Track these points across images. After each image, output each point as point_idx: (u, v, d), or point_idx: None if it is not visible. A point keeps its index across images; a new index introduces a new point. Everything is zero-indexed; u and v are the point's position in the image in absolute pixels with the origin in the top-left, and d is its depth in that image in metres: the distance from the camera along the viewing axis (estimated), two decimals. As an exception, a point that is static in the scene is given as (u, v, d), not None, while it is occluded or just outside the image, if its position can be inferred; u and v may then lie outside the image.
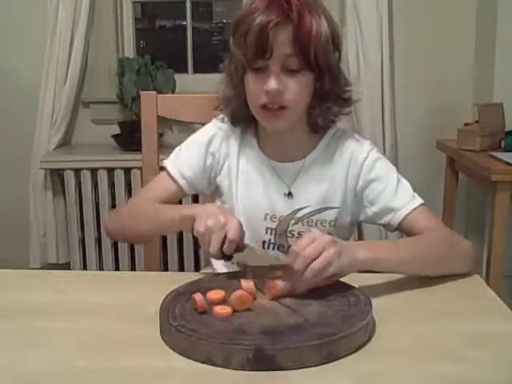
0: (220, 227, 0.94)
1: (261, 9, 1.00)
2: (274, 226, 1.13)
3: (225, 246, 0.94)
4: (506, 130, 2.27)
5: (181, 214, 1.04)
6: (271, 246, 1.13)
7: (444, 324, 0.85)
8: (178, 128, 2.53)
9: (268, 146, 1.15)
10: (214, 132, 1.18)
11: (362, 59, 2.55)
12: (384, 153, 2.58)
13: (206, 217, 0.96)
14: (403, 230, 1.11)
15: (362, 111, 2.59)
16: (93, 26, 2.61)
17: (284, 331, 0.76)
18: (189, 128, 2.39)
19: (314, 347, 0.73)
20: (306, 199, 1.13)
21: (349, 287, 0.91)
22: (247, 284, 0.86)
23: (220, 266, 1.14)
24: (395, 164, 2.59)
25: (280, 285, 0.87)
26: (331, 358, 0.74)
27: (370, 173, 1.13)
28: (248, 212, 1.13)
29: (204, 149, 1.17)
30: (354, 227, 1.22)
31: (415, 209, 1.10)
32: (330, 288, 0.89)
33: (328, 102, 1.09)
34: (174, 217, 1.06)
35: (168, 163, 1.18)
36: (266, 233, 1.13)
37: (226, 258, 0.96)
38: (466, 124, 2.36)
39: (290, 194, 1.13)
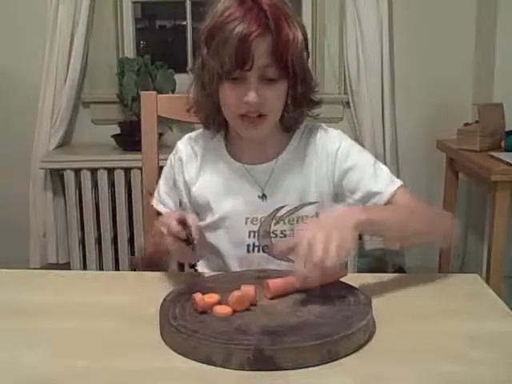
0: (165, 223, 0.95)
1: (238, 18, 0.99)
2: (255, 229, 1.12)
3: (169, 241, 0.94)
4: (506, 130, 2.27)
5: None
6: (255, 248, 1.12)
7: (444, 324, 0.86)
8: (178, 128, 2.53)
9: (239, 151, 1.14)
10: (181, 155, 1.17)
11: (361, 59, 2.55)
12: (384, 153, 2.58)
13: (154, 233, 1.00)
14: None
15: (362, 111, 2.59)
16: (93, 26, 2.61)
17: (284, 331, 0.76)
18: (189, 128, 2.39)
19: (313, 347, 0.73)
20: (281, 199, 1.12)
21: (349, 287, 0.91)
22: (247, 288, 0.86)
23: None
24: (395, 164, 2.59)
25: (279, 282, 0.87)
26: (331, 357, 0.74)
27: (346, 162, 1.12)
28: (228, 219, 1.13)
29: (177, 175, 1.17)
30: None
31: (396, 190, 1.10)
32: (330, 288, 0.89)
33: (302, 105, 1.09)
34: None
35: (154, 202, 1.20)
36: (249, 236, 1.12)
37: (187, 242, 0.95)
38: (465, 124, 2.36)
39: (264, 196, 1.13)
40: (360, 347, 0.77)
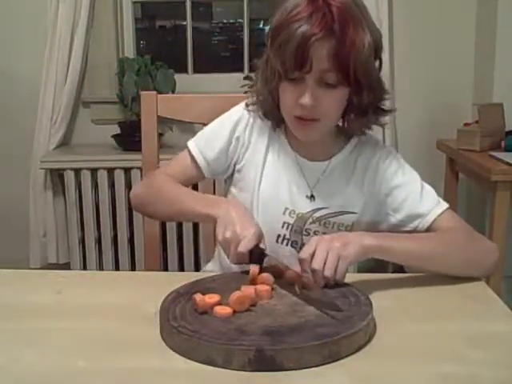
0: (237, 239, 0.95)
1: (304, 18, 0.97)
2: (291, 222, 1.12)
3: (233, 257, 0.96)
4: (506, 130, 2.27)
5: (203, 212, 1.04)
6: (285, 241, 1.13)
7: (444, 324, 0.85)
8: (178, 128, 2.53)
9: (296, 143, 1.14)
10: (241, 115, 1.16)
11: (362, 59, 2.54)
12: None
13: (224, 225, 0.97)
14: None
15: (362, 111, 2.59)
16: (93, 26, 2.61)
17: (284, 332, 0.76)
18: (189, 128, 2.39)
19: (314, 348, 0.73)
20: (327, 201, 1.12)
21: (349, 287, 0.91)
22: (247, 289, 0.86)
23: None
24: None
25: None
26: (332, 358, 0.74)
27: (394, 180, 1.12)
28: (269, 204, 1.13)
29: (229, 133, 1.15)
30: None
31: (442, 213, 1.09)
32: (331, 288, 0.90)
33: (367, 114, 1.07)
34: (196, 210, 1.06)
35: (191, 144, 1.17)
36: (283, 227, 1.12)
37: (252, 262, 0.96)
38: (465, 124, 2.36)
39: (312, 197, 1.13)
40: (360, 347, 0.77)
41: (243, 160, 1.16)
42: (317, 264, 0.89)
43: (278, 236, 1.13)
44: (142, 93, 1.36)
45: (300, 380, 0.71)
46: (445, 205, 1.11)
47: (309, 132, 1.07)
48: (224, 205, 1.03)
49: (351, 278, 0.94)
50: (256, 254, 0.95)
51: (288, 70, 1.01)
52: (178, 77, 2.58)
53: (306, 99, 1.00)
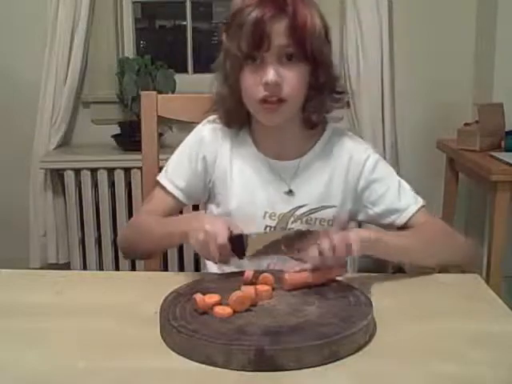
0: (211, 236, 0.94)
1: (255, 3, 1.01)
2: (273, 224, 1.12)
3: (215, 255, 0.95)
4: (506, 130, 2.27)
5: (176, 232, 1.05)
6: None
7: (444, 324, 0.85)
8: (178, 128, 2.53)
9: (264, 144, 1.14)
10: (203, 135, 1.16)
11: (361, 59, 2.55)
12: (384, 153, 2.58)
13: (195, 233, 0.96)
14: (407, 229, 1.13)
15: (361, 111, 2.59)
16: (93, 26, 2.61)
17: (285, 332, 0.76)
18: (189, 128, 2.39)
19: (314, 347, 0.73)
20: (306, 197, 1.12)
21: (349, 287, 0.91)
22: (247, 289, 0.86)
23: (214, 269, 1.13)
24: (395, 164, 2.59)
25: (296, 276, 0.91)
26: (332, 358, 0.74)
27: (373, 174, 1.13)
28: (247, 211, 1.13)
29: (194, 155, 1.15)
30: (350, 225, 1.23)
31: (419, 209, 1.12)
32: (331, 288, 0.90)
33: (323, 94, 1.09)
34: (171, 233, 1.07)
35: (160, 177, 1.18)
36: (266, 231, 1.13)
37: (239, 256, 0.96)
38: (465, 124, 2.36)
39: (290, 192, 1.13)
40: (360, 347, 0.77)
41: (214, 176, 1.16)
42: (325, 244, 0.91)
43: None
44: (142, 93, 1.36)
45: (300, 380, 0.71)
46: (421, 201, 1.13)
47: (275, 115, 1.06)
48: (190, 218, 1.08)
49: (351, 278, 0.94)
50: (236, 240, 0.95)
51: (247, 52, 1.02)
52: (178, 77, 2.58)
53: (270, 76, 1.01)
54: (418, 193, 1.15)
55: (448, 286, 1.00)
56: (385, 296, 0.94)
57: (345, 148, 1.15)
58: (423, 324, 0.85)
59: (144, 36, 2.98)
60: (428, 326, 0.85)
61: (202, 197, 1.19)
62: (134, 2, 2.78)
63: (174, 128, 2.53)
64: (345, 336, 0.75)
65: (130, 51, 2.77)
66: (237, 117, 1.13)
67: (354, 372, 0.73)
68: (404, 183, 1.15)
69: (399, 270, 1.14)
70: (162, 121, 1.37)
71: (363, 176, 1.13)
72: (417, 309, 0.91)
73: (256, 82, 1.03)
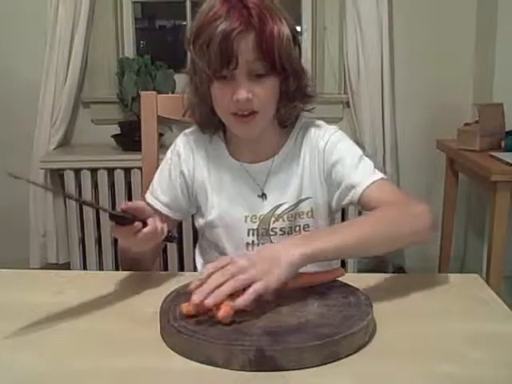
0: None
1: (221, 17, 0.99)
2: (255, 227, 1.12)
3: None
4: (506, 130, 2.27)
5: None
6: (255, 246, 1.13)
7: (444, 324, 0.85)
8: (178, 128, 2.53)
9: (238, 149, 1.14)
10: (178, 150, 1.17)
11: (361, 59, 2.55)
12: (384, 152, 2.58)
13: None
14: (362, 206, 1.08)
15: (362, 111, 2.59)
16: (93, 26, 2.61)
17: (285, 332, 0.76)
18: (189, 128, 2.39)
19: (314, 348, 0.73)
20: (280, 197, 1.12)
21: (349, 287, 0.91)
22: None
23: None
24: (395, 164, 2.59)
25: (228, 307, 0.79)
26: (332, 358, 0.74)
27: (332, 156, 1.11)
28: (227, 217, 1.13)
29: (173, 171, 1.16)
30: (332, 215, 1.19)
31: (373, 183, 1.06)
32: (331, 288, 0.90)
33: (294, 101, 1.09)
34: None
35: (147, 196, 1.18)
36: (248, 234, 1.13)
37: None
38: (465, 124, 2.36)
39: (263, 196, 1.13)
40: (360, 347, 0.77)
41: (194, 188, 1.16)
42: (208, 284, 0.80)
43: (247, 244, 1.13)
44: (142, 93, 1.36)
45: (300, 380, 0.71)
46: (378, 175, 1.08)
47: (248, 128, 1.06)
48: None
49: (351, 278, 0.94)
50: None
51: (216, 70, 1.01)
52: (178, 77, 2.58)
53: (241, 94, 1.01)
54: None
55: (448, 286, 1.00)
56: (385, 296, 0.94)
57: (309, 138, 1.14)
58: (423, 324, 0.85)
59: (144, 36, 2.98)
60: (428, 326, 0.85)
61: (191, 210, 1.20)
62: (134, 2, 2.78)
63: (174, 128, 2.53)
64: (345, 336, 0.75)
65: (129, 51, 2.77)
66: (209, 123, 1.13)
67: (353, 372, 0.73)
68: (366, 160, 1.11)
69: (399, 270, 1.14)
70: (162, 121, 1.37)
71: (325, 161, 1.12)
72: (417, 309, 0.91)
73: (227, 98, 1.03)
